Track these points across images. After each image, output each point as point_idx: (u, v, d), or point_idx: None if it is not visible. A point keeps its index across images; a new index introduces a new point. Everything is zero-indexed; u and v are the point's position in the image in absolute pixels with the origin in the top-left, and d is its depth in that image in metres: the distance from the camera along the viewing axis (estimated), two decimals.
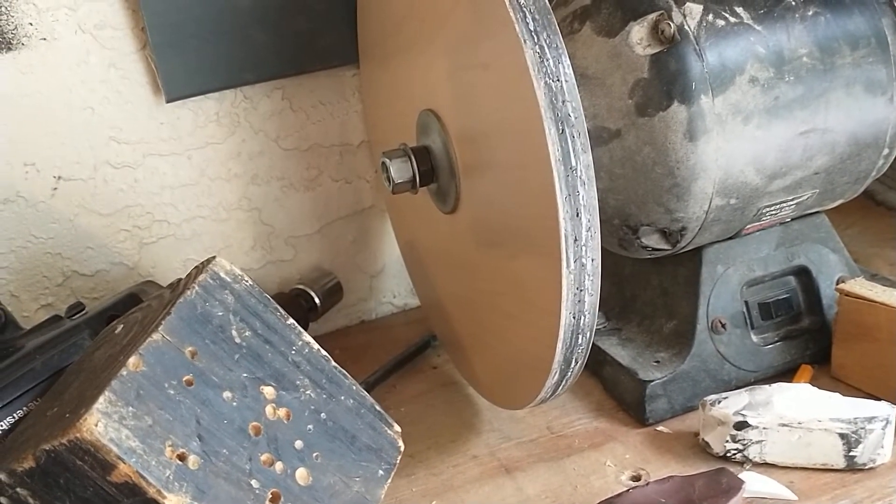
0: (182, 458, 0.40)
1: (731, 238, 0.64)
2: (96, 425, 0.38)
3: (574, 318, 0.48)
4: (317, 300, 0.75)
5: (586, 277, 0.47)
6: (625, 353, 0.66)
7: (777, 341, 0.65)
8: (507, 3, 0.45)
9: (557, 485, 0.58)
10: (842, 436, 0.54)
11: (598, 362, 0.67)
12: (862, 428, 0.54)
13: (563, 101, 0.45)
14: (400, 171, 0.57)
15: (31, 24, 0.64)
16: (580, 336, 0.49)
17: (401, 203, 0.73)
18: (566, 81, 0.45)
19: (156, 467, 0.39)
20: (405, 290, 0.84)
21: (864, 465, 0.55)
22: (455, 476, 0.60)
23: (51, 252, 0.70)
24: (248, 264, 0.77)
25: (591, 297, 0.48)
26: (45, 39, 0.65)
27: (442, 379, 0.72)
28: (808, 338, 0.65)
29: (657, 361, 0.64)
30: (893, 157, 0.64)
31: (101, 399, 0.38)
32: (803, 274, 0.66)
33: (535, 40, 0.45)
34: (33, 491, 0.41)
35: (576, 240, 0.46)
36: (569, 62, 0.45)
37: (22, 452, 0.41)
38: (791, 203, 0.62)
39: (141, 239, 0.73)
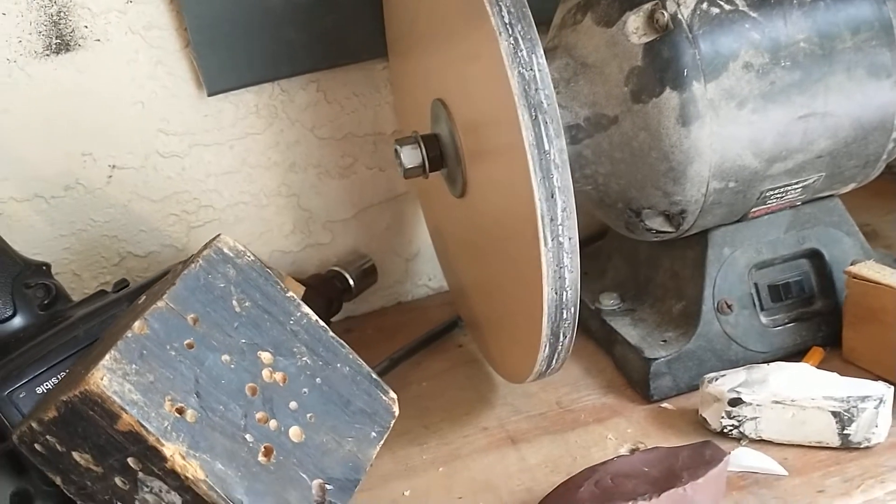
0: (180, 411, 0.45)
1: (738, 221, 0.65)
2: (102, 379, 0.43)
3: (556, 293, 0.51)
4: (351, 281, 0.80)
5: (564, 255, 0.50)
6: (635, 332, 0.68)
7: (788, 323, 0.66)
8: None
9: (558, 455, 0.60)
10: (834, 414, 0.55)
11: (610, 342, 0.69)
12: (854, 406, 0.55)
13: (536, 90, 0.48)
14: (410, 156, 0.61)
15: (86, 26, 0.71)
16: (564, 311, 0.52)
17: (427, 189, 0.76)
18: (539, 70, 0.48)
19: (155, 418, 0.44)
20: (439, 274, 0.87)
21: (860, 443, 0.56)
22: (464, 446, 0.63)
23: (107, 235, 0.77)
24: (287, 247, 0.82)
25: (572, 274, 0.51)
26: (98, 40, 0.71)
27: (466, 357, 0.76)
28: (820, 320, 0.66)
29: (664, 341, 0.66)
30: None
31: (107, 357, 0.43)
32: (816, 257, 0.66)
33: (510, 32, 0.48)
34: (60, 438, 0.46)
35: (552, 219, 0.49)
36: (542, 52, 0.48)
37: (48, 405, 0.46)
38: (796, 187, 0.63)
39: (189, 223, 0.78)
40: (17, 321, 0.61)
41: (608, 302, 0.71)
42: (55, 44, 0.71)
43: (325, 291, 0.77)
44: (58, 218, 0.75)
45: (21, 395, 0.56)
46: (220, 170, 0.78)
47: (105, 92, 0.73)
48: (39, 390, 0.56)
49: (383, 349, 0.75)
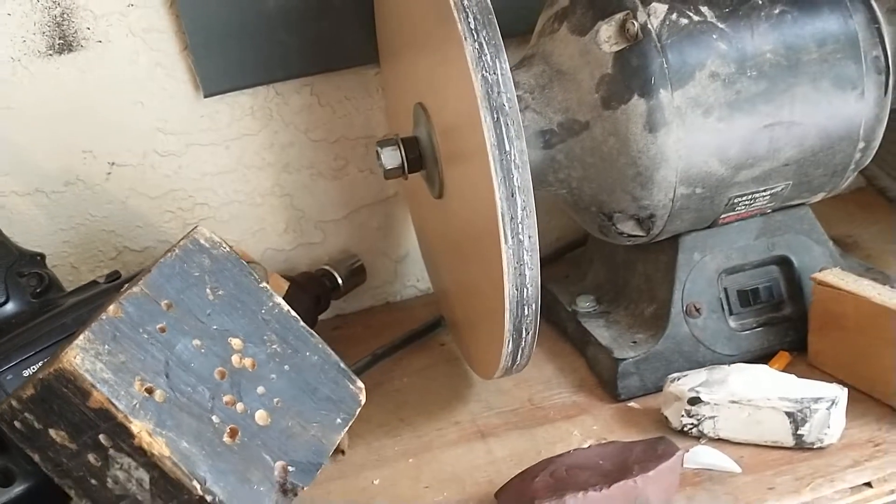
0: (149, 391, 0.47)
1: (709, 227, 0.67)
2: (75, 358, 0.45)
3: (517, 290, 0.53)
4: (339, 280, 0.82)
5: (524, 252, 0.52)
6: (607, 333, 0.70)
7: (756, 327, 0.67)
8: (453, 4, 0.51)
9: (524, 450, 0.62)
10: (788, 414, 0.57)
11: (584, 342, 0.71)
12: (807, 407, 0.57)
13: (499, 93, 0.50)
14: (390, 158, 0.63)
15: (88, 28, 0.74)
16: (525, 307, 0.54)
17: (413, 191, 0.79)
18: (502, 74, 0.50)
19: (125, 397, 0.46)
20: (427, 275, 0.89)
21: (813, 444, 0.57)
22: (436, 439, 0.65)
23: (105, 229, 0.80)
24: (280, 245, 0.84)
25: (532, 271, 0.53)
26: (100, 42, 0.74)
27: (447, 355, 0.78)
28: (788, 325, 0.68)
29: (634, 342, 0.68)
30: (874, 150, 0.65)
31: (81, 337, 0.46)
32: (785, 264, 0.68)
33: (475, 37, 0.50)
34: (37, 416, 0.49)
35: (512, 218, 0.51)
36: (505, 58, 0.50)
37: (27, 384, 0.49)
38: (764, 194, 0.64)
39: (184, 220, 0.81)
40: (10, 307, 0.64)
41: (584, 304, 0.73)
42: (58, 44, 0.74)
43: (313, 289, 0.80)
44: (57, 212, 0.78)
45: (8, 378, 0.59)
46: (215, 169, 0.81)
47: (106, 91, 0.76)
48: (26, 373, 0.59)
49: (370, 346, 0.77)
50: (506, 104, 0.50)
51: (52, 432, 0.49)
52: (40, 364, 0.59)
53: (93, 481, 0.51)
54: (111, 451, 0.48)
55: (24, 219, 0.77)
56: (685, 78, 0.59)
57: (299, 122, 0.81)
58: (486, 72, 0.50)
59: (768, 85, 0.60)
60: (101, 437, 0.48)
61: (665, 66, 0.59)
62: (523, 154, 0.50)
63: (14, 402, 0.49)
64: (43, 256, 0.67)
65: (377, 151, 0.64)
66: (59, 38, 0.74)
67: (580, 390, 0.68)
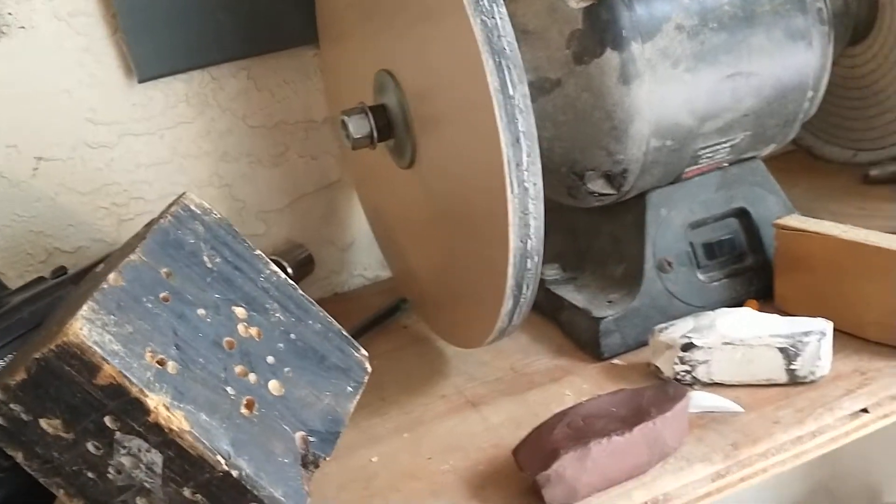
0: (161, 363, 0.43)
1: (672, 183, 0.68)
2: (81, 329, 0.41)
3: (522, 242, 0.52)
4: (289, 270, 0.79)
5: (530, 201, 0.51)
6: (580, 297, 0.70)
7: (722, 279, 0.69)
8: None
9: (520, 413, 0.61)
10: (781, 350, 0.59)
11: (556, 308, 0.71)
12: (799, 341, 0.58)
13: (499, 36, 0.49)
14: (358, 126, 0.61)
15: (10, 13, 0.68)
16: (528, 260, 0.53)
17: (364, 171, 0.77)
18: (500, 19, 0.49)
19: (137, 369, 0.42)
20: (375, 263, 0.88)
21: (805, 377, 0.59)
22: (425, 413, 0.64)
23: (34, 230, 0.74)
24: None
25: (536, 221, 0.52)
26: (23, 28, 0.69)
27: (413, 337, 0.76)
28: (752, 275, 0.70)
29: (610, 301, 0.68)
30: (819, 100, 0.69)
31: (84, 307, 0.42)
32: (743, 215, 0.70)
33: None
34: (26, 405, 0.44)
35: (518, 165, 0.50)
36: (502, 2, 0.50)
37: (14, 369, 0.44)
38: (725, 145, 0.66)
39: (119, 216, 0.76)
40: None
41: (550, 272, 0.73)
42: None
43: None
44: None
45: None
46: (150, 160, 0.76)
47: (30, 81, 0.71)
48: None
49: None
50: (506, 48, 0.49)
51: (42, 423, 0.45)
52: (2, 362, 0.54)
53: (90, 474, 0.46)
54: (117, 435, 0.44)
55: None
56: (653, 30, 0.60)
57: (236, 108, 0.78)
58: (485, 16, 0.49)
59: (728, 36, 0.62)
60: (107, 419, 0.43)
61: (634, 19, 0.60)
62: (526, 98, 0.50)
63: None
64: None
65: (343, 121, 0.62)
66: None
67: (560, 354, 0.68)
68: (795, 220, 0.66)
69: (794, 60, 0.65)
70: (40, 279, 0.63)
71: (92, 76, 0.72)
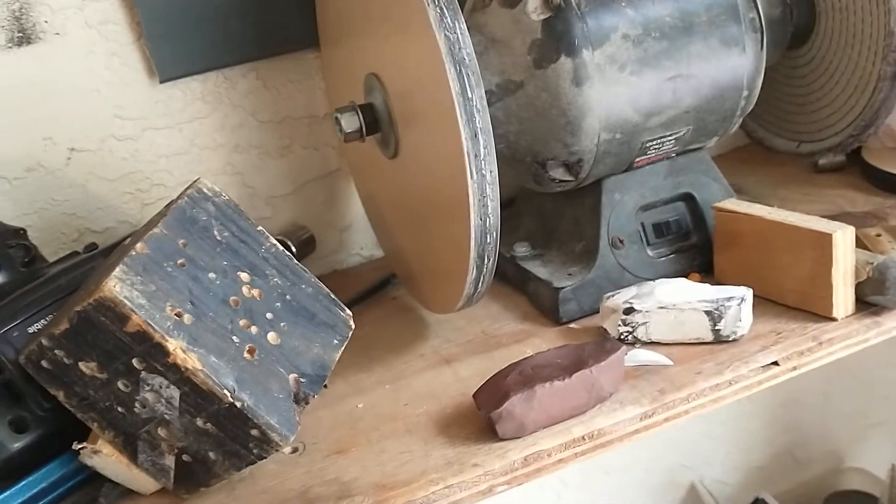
0: (179, 315, 0.54)
1: (625, 171, 0.78)
2: (114, 287, 0.51)
3: (481, 220, 0.62)
4: (293, 249, 0.89)
5: (487, 186, 0.61)
6: (544, 270, 0.79)
7: (669, 254, 0.79)
8: None
9: (485, 368, 0.71)
10: (707, 313, 0.68)
11: (523, 280, 0.81)
12: (722, 305, 0.68)
13: (460, 48, 0.59)
14: (349, 122, 0.71)
15: (46, 21, 0.79)
16: (488, 235, 0.63)
17: (359, 161, 0.87)
18: (461, 34, 0.59)
19: (160, 319, 0.52)
20: (370, 243, 0.98)
21: (728, 336, 0.68)
22: (405, 369, 0.74)
23: (67, 212, 0.84)
24: None
25: (493, 203, 0.62)
26: (58, 34, 0.79)
27: (400, 307, 0.86)
28: (695, 251, 0.79)
29: (570, 274, 0.78)
30: (755, 98, 0.78)
31: (117, 269, 0.52)
32: (689, 200, 0.80)
33: (437, 3, 0.59)
34: (67, 351, 0.55)
35: (476, 155, 0.60)
36: (463, 20, 0.60)
37: (58, 321, 0.54)
38: (670, 138, 0.76)
39: (142, 200, 0.87)
40: (0, 277, 0.68)
41: (521, 249, 0.83)
42: (17, 37, 0.78)
43: None
44: (20, 198, 0.82)
45: (14, 335, 0.63)
46: (170, 151, 0.86)
47: (64, 81, 0.81)
48: (31, 329, 0.64)
49: None
50: (466, 58, 0.59)
51: (81, 365, 0.55)
52: (43, 322, 0.64)
53: (119, 409, 0.56)
54: (143, 374, 0.54)
55: None
56: (602, 39, 0.70)
57: (247, 105, 0.88)
58: (448, 31, 0.59)
59: (669, 44, 0.72)
60: (135, 360, 0.54)
61: (585, 29, 0.69)
62: (483, 100, 0.60)
63: (44, 341, 0.55)
64: (25, 231, 0.72)
65: (336, 118, 0.72)
66: (18, 32, 0.78)
67: (525, 320, 0.78)
68: (731, 204, 0.76)
69: (729, 64, 0.74)
70: (74, 253, 0.73)
71: (119, 77, 0.82)
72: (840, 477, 1.38)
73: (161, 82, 0.83)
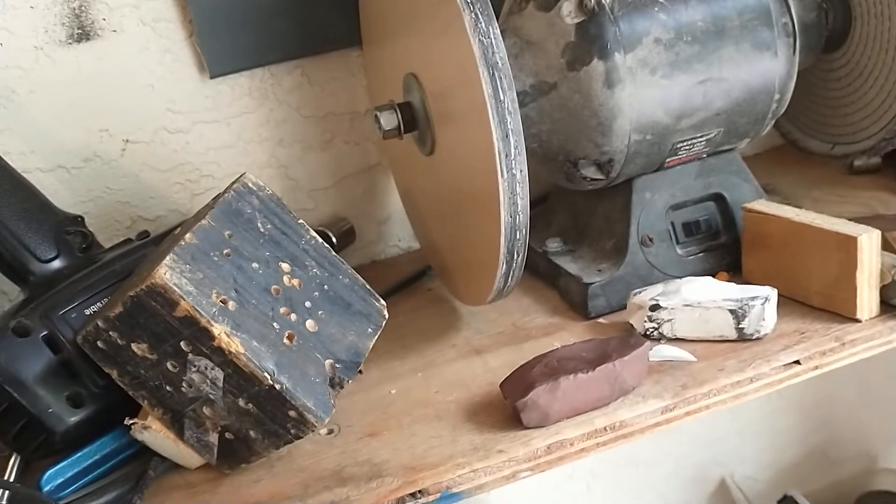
0: (224, 302, 0.57)
1: (656, 171, 0.80)
2: (165, 274, 0.55)
3: (511, 217, 0.65)
4: (334, 240, 0.92)
5: (517, 185, 0.64)
6: (575, 266, 0.82)
7: (698, 253, 0.81)
8: None
9: (515, 359, 0.73)
10: (731, 311, 0.70)
11: (555, 276, 0.83)
12: (746, 304, 0.70)
13: (493, 52, 0.62)
14: (388, 120, 0.74)
15: (104, 19, 0.83)
16: (517, 232, 0.66)
17: (398, 156, 0.90)
18: (495, 38, 0.62)
19: (206, 305, 0.56)
20: (408, 235, 1.01)
21: (752, 335, 0.70)
22: (437, 358, 0.77)
23: (121, 201, 0.88)
24: None
25: (523, 201, 0.64)
26: (115, 31, 0.83)
27: (434, 298, 0.89)
28: (724, 250, 0.81)
29: (599, 270, 0.80)
30: (787, 101, 0.79)
31: (167, 258, 0.56)
32: (720, 200, 0.81)
33: (472, 9, 0.62)
34: (121, 332, 0.58)
35: (507, 155, 0.63)
36: (497, 25, 0.62)
37: (113, 305, 0.58)
38: (700, 140, 0.78)
39: (192, 191, 0.91)
40: (59, 262, 0.73)
41: (553, 245, 0.85)
42: (77, 33, 0.83)
43: None
44: (78, 186, 0.87)
45: (73, 316, 0.67)
46: (218, 144, 0.90)
47: (120, 76, 0.85)
48: (87, 311, 0.68)
49: None
50: (499, 62, 0.62)
51: (133, 346, 0.59)
52: (99, 304, 0.68)
53: (168, 388, 0.60)
54: (190, 356, 0.58)
55: (47, 192, 0.83)
56: (634, 43, 0.72)
57: (292, 101, 0.92)
58: (482, 36, 0.61)
59: (700, 48, 0.73)
60: (182, 343, 0.57)
61: (618, 34, 0.71)
62: (514, 102, 0.62)
63: (100, 323, 0.59)
64: (83, 218, 0.76)
65: (376, 116, 0.75)
66: (78, 29, 0.83)
67: (555, 314, 0.81)
68: (760, 205, 0.77)
69: (761, 68, 0.76)
70: (127, 240, 0.77)
71: (171, 72, 0.86)
72: (873, 478, 1.38)
73: (211, 78, 0.87)
